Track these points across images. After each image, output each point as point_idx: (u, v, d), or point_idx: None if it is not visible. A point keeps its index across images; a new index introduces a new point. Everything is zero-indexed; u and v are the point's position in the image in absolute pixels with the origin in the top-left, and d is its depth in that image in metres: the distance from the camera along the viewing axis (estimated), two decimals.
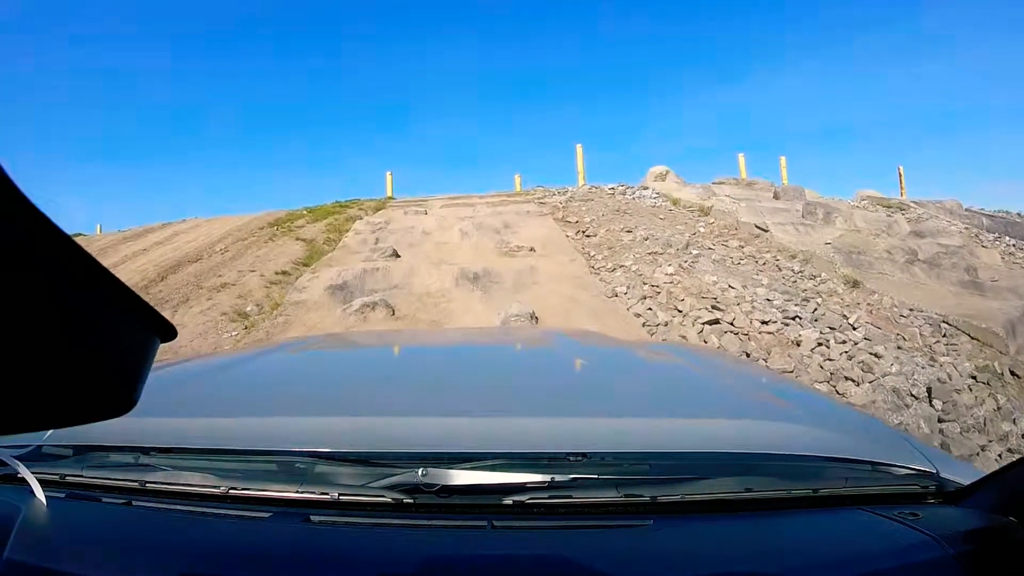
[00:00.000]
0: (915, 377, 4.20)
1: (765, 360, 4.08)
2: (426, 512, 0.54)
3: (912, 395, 3.99)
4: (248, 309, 5.54)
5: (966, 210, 11.24)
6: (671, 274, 5.47)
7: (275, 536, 0.52)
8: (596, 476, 0.56)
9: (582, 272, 5.71)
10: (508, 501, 0.54)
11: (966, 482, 0.60)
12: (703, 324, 4.39)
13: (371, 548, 0.49)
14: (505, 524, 0.52)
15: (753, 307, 4.98)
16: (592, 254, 6.35)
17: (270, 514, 0.54)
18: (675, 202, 9.58)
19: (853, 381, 3.96)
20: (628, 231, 7.12)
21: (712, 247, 6.88)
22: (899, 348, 4.77)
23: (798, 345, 4.44)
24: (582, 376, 1.06)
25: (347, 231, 8.20)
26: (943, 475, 0.60)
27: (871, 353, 4.42)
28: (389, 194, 11.96)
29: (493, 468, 0.56)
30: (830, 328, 4.80)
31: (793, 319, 4.90)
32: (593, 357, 1.26)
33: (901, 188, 12.88)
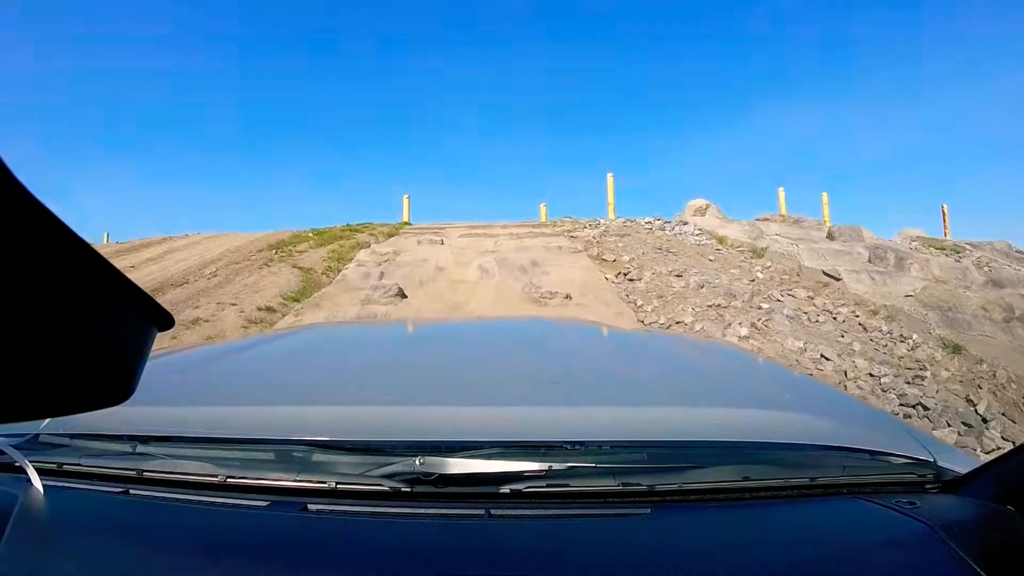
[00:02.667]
0: None
1: None
2: (423, 501, 0.54)
3: None
4: None
5: (1017, 252, 9.97)
6: (745, 337, 4.36)
7: (272, 524, 0.52)
8: (593, 464, 0.55)
9: (633, 330, 4.60)
10: (505, 490, 0.54)
11: (964, 471, 0.59)
12: None
13: (368, 537, 0.49)
14: (502, 512, 0.52)
15: (860, 389, 3.84)
16: (640, 304, 5.26)
17: (267, 503, 0.54)
18: (721, 240, 8.50)
19: None
20: (678, 275, 6.03)
21: (780, 299, 5.75)
22: None
23: None
24: (580, 365, 1.01)
25: (350, 260, 7.21)
26: (941, 464, 0.59)
27: None
28: (405, 218, 11.13)
29: (491, 457, 0.55)
30: (966, 425, 3.62)
31: (914, 407, 3.74)
32: (591, 346, 1.26)
33: (945, 227, 11.57)
